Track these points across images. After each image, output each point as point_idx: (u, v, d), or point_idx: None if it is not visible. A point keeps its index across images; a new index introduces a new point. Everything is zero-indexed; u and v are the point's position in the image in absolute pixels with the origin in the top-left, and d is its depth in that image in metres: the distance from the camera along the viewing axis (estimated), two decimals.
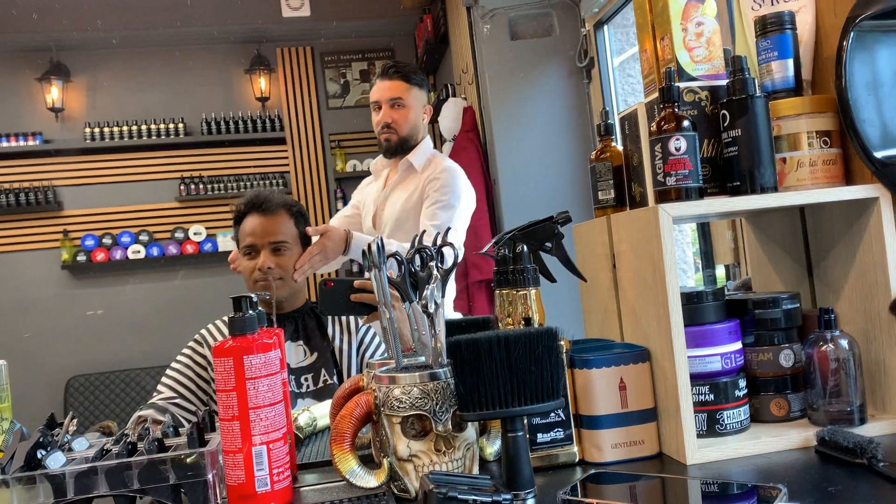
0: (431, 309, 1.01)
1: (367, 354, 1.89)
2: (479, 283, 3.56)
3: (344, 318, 1.92)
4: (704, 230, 2.71)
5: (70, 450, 1.04)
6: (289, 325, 1.84)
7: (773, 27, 1.13)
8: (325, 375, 1.81)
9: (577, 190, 3.54)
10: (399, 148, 2.40)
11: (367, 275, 1.09)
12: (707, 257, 2.66)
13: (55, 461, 0.96)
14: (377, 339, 1.93)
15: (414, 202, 2.38)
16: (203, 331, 1.86)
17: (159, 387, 1.79)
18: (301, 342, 1.84)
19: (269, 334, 1.01)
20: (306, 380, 1.81)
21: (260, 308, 1.05)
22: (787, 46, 1.13)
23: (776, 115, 1.12)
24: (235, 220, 1.87)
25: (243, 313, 0.99)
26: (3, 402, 1.11)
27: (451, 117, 4.01)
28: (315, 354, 1.83)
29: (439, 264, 1.05)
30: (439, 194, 2.33)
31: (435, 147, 5.09)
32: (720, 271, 2.59)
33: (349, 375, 1.84)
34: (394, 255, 1.06)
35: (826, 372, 1.07)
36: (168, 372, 1.81)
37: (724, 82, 1.13)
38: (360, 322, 1.93)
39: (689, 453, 1.02)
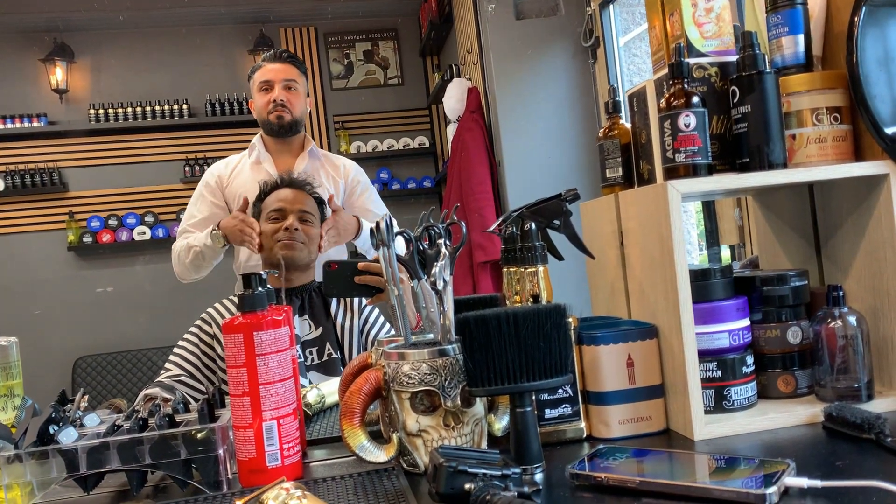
0: (440, 286, 1.01)
1: (373, 333, 1.91)
2: (484, 265, 3.57)
3: (348, 298, 1.94)
4: (710, 210, 2.71)
5: (82, 425, 1.05)
6: (295, 300, 1.88)
7: (784, 2, 1.12)
8: (329, 349, 1.84)
9: (582, 170, 3.54)
10: (290, 129, 2.37)
11: (374, 254, 1.09)
12: (711, 238, 2.66)
13: (67, 436, 0.97)
14: (381, 318, 1.95)
15: (333, 190, 2.39)
16: (210, 309, 1.88)
17: (167, 365, 1.82)
18: (307, 317, 1.87)
19: (278, 311, 1.02)
20: (311, 353, 1.84)
21: (269, 285, 1.06)
22: (797, 22, 1.12)
23: (786, 91, 1.11)
24: (261, 196, 1.95)
25: (253, 290, 1.00)
26: (14, 378, 1.12)
27: (455, 98, 3.99)
28: (320, 329, 1.86)
29: (447, 242, 1.05)
30: (370, 191, 2.46)
31: (440, 128, 5.12)
32: (725, 252, 2.59)
33: (350, 353, 1.87)
34: (402, 233, 1.07)
35: (834, 349, 1.08)
36: (175, 350, 1.83)
37: (733, 58, 1.12)
38: (364, 302, 1.95)
39: (696, 429, 1.02)
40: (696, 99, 1.05)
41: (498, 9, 3.60)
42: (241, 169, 2.39)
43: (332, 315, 1.90)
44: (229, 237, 2.05)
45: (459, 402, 0.97)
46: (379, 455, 0.96)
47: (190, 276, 2.30)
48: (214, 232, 2.08)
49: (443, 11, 4.40)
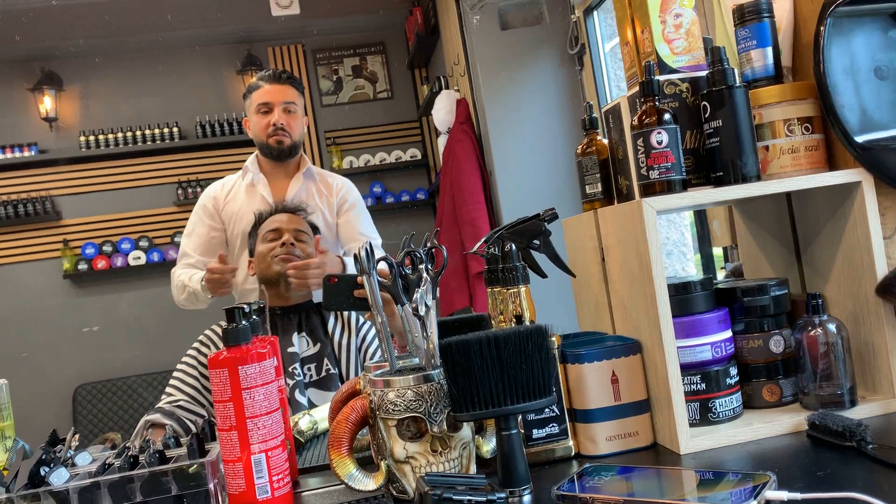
0: (422, 311, 1.02)
1: (370, 351, 1.92)
2: (480, 276, 3.58)
3: (345, 315, 1.96)
4: (701, 213, 2.72)
5: (73, 465, 1.05)
6: (293, 317, 1.89)
7: (751, 16, 1.14)
8: (327, 365, 1.86)
9: (573, 178, 3.51)
10: (289, 153, 2.37)
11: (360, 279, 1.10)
12: (703, 240, 2.67)
13: (58, 477, 0.97)
14: None
15: (327, 211, 2.40)
16: (208, 331, 1.89)
17: (167, 389, 1.83)
18: (304, 334, 1.88)
19: (262, 343, 1.02)
20: (309, 370, 1.85)
21: (255, 317, 1.07)
22: (765, 34, 1.14)
23: (757, 103, 1.12)
24: (258, 221, 1.98)
25: (237, 324, 1.00)
26: (5, 420, 1.12)
27: (444, 110, 4.01)
28: (318, 345, 1.88)
29: (429, 266, 1.06)
30: (358, 209, 2.42)
31: (431, 139, 5.14)
32: (718, 252, 2.60)
33: (348, 371, 1.88)
34: (384, 258, 1.08)
35: (816, 356, 1.09)
36: (174, 374, 1.85)
37: (704, 73, 1.14)
38: (363, 318, 1.97)
39: (682, 443, 1.03)
40: (667, 116, 1.07)
41: (483, 20, 3.62)
42: (237, 192, 2.40)
43: (330, 332, 1.91)
44: (211, 292, 2.06)
45: (446, 426, 0.97)
46: (368, 483, 0.97)
47: (186, 308, 2.31)
48: (203, 284, 2.09)
49: (429, 24, 4.42)
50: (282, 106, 2.33)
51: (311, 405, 1.79)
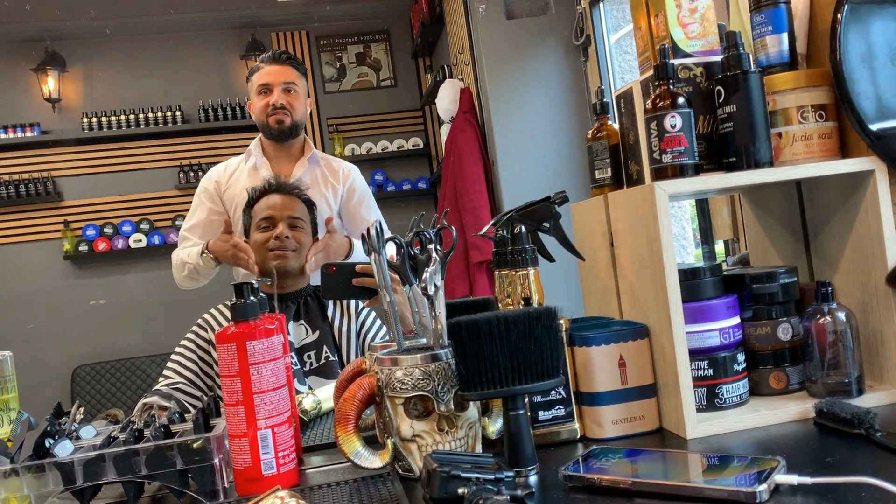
0: (431, 291, 1.02)
1: (369, 336, 1.91)
2: (480, 265, 3.57)
3: (344, 300, 1.94)
4: (703, 206, 2.72)
5: (78, 438, 1.05)
6: (291, 305, 1.88)
7: (767, 1, 1.13)
8: (326, 352, 1.85)
9: (576, 169, 3.54)
10: (290, 133, 2.35)
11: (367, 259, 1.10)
12: (706, 233, 2.66)
13: (63, 449, 0.97)
14: (378, 321, 1.96)
15: (331, 197, 2.39)
16: (206, 315, 1.88)
17: (165, 372, 1.82)
18: (303, 322, 1.87)
19: (271, 320, 1.02)
20: (309, 357, 1.84)
21: (262, 294, 1.06)
22: (781, 20, 1.13)
23: (771, 89, 1.12)
24: (250, 202, 1.93)
25: (245, 300, 1.00)
26: (9, 392, 1.12)
27: (448, 99, 4.00)
28: (317, 332, 1.86)
29: (438, 247, 1.06)
30: (367, 198, 2.42)
31: (434, 129, 5.13)
32: (719, 247, 2.60)
33: (348, 356, 1.87)
34: (393, 238, 1.07)
35: (824, 344, 1.08)
36: (172, 357, 1.83)
37: (718, 58, 1.13)
38: (362, 303, 1.95)
39: (688, 428, 1.03)
40: (681, 100, 1.06)
41: (489, 9, 3.60)
42: (239, 174, 2.39)
43: (329, 318, 1.90)
44: (221, 259, 2.05)
45: (453, 406, 0.97)
46: (374, 461, 0.97)
47: (187, 287, 2.30)
48: (204, 255, 2.08)
49: (434, 12, 4.40)
50: (281, 86, 2.31)
51: None
